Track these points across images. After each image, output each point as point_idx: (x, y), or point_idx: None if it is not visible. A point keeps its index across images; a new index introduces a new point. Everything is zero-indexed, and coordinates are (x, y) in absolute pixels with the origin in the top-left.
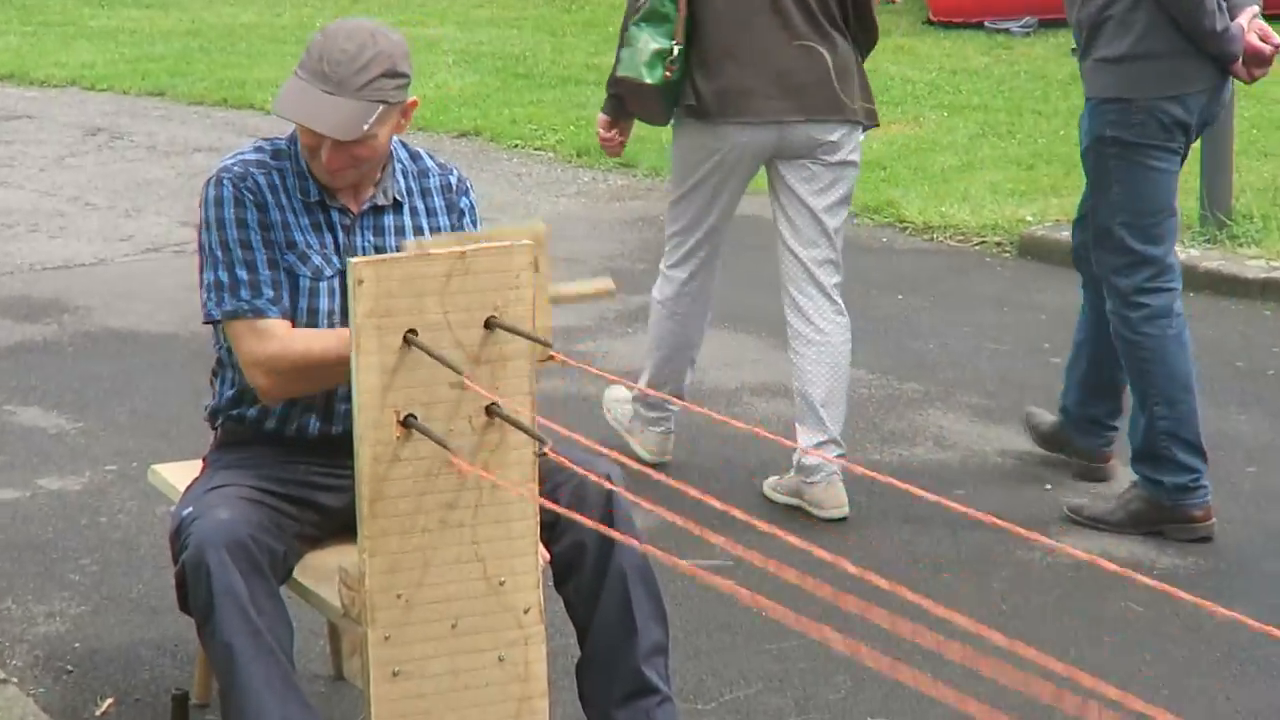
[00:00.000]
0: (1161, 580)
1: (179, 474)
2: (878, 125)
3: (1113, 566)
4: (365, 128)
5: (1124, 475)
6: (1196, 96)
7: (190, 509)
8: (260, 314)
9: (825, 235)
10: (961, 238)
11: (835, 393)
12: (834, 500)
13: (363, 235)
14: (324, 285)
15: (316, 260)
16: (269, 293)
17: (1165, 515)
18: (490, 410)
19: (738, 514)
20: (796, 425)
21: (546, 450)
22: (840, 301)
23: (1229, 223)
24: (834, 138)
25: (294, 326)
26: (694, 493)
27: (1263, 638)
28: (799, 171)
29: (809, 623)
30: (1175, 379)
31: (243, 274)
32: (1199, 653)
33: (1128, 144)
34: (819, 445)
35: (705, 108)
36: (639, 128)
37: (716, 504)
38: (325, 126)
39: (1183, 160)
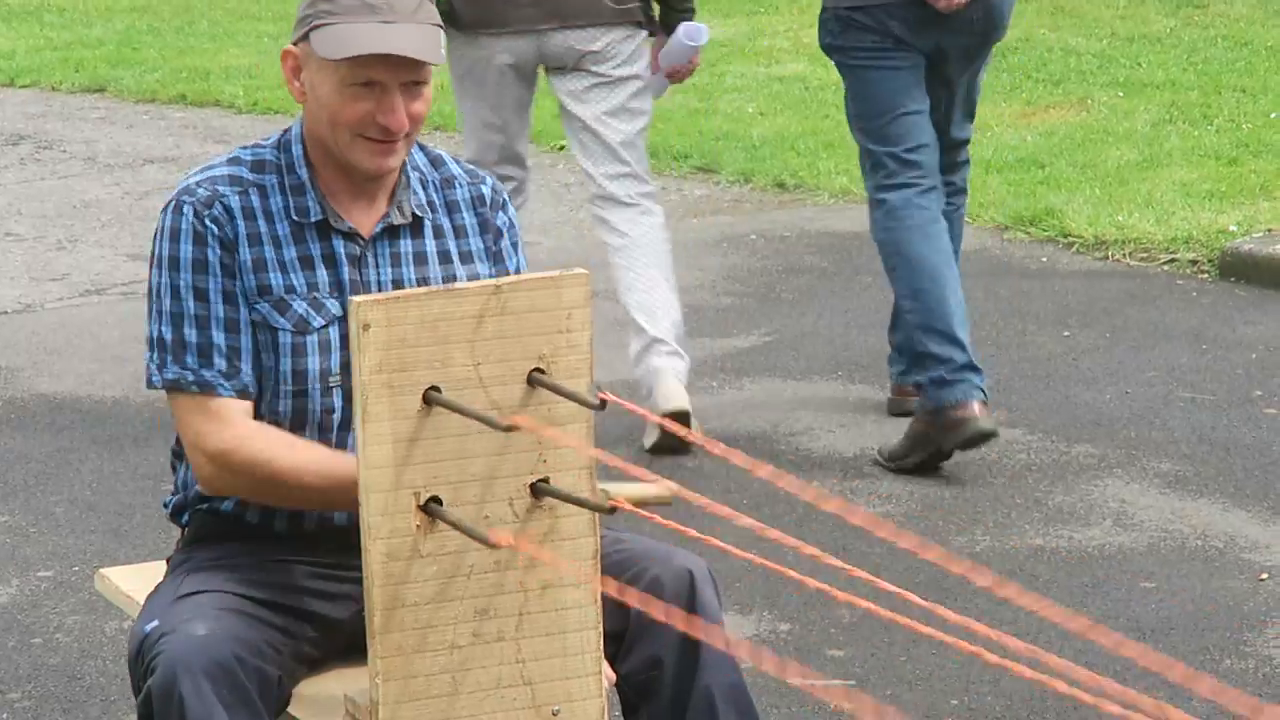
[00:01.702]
0: None
1: (134, 580)
2: (653, 35)
3: None
4: (442, 52)
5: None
6: (884, 9)
7: (155, 623)
8: (208, 389)
9: (608, 149)
10: (1145, 255)
11: (653, 294)
12: (668, 396)
13: (378, 268)
14: (312, 340)
15: (300, 308)
16: (221, 364)
17: (936, 424)
18: (538, 489)
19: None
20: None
21: (611, 503)
22: (647, 203)
23: None
24: (597, 46)
25: (275, 392)
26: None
27: None
28: (568, 84)
29: None
30: (917, 269)
31: (191, 334)
32: None
33: (840, 49)
34: (644, 349)
35: (458, 17)
36: (723, 122)
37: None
38: (413, 49)
39: (937, 72)
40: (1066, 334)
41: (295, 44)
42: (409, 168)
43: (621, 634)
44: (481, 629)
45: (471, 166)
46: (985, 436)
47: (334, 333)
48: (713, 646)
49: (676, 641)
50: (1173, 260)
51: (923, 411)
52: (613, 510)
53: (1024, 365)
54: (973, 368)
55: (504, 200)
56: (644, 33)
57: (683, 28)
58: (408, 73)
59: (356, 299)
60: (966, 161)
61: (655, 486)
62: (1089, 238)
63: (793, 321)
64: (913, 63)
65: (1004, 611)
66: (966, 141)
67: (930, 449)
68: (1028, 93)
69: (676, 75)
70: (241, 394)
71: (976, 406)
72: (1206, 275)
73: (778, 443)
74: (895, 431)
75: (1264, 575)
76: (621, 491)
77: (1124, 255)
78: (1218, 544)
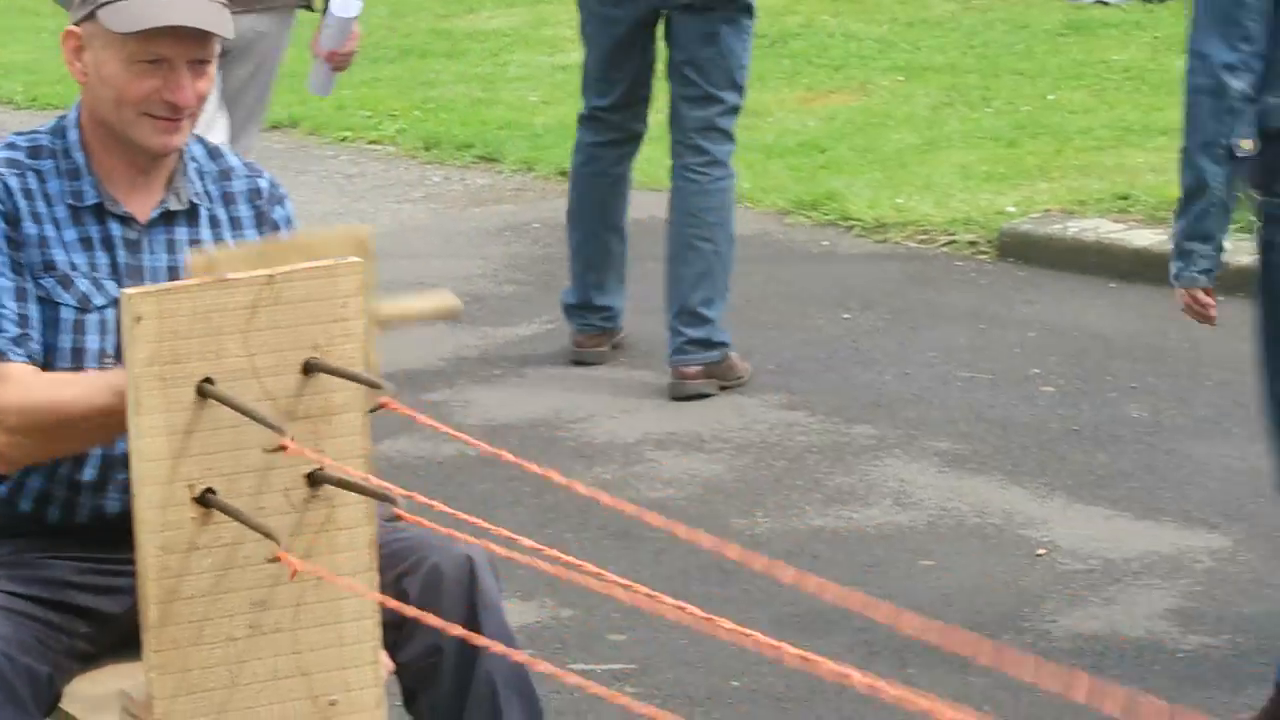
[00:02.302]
0: (1190, 664)
1: None
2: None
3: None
4: (230, 27)
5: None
6: None
7: None
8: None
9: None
10: (924, 237)
11: None
12: None
13: (152, 252)
14: (93, 318)
15: (83, 285)
16: (11, 329)
17: None
18: (314, 478)
19: (641, 598)
20: None
21: (397, 513)
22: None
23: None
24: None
25: (54, 370)
26: (585, 577)
27: None
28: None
29: None
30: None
31: None
32: None
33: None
34: None
35: None
36: (506, 112)
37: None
38: (206, 22)
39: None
40: (847, 316)
41: (78, 24)
42: (187, 157)
43: (400, 622)
44: (258, 621)
45: (251, 160)
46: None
47: (112, 314)
48: (493, 633)
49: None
50: (952, 242)
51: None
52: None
53: (805, 348)
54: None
55: (282, 195)
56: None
57: (332, 1)
58: (196, 49)
59: (128, 291)
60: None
61: (435, 296)
62: (869, 221)
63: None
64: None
65: (784, 593)
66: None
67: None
68: (808, 78)
69: (337, 59)
70: (33, 358)
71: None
72: (985, 256)
73: (559, 429)
74: (676, 416)
75: (1041, 551)
76: (397, 306)
77: (904, 238)
78: (996, 521)
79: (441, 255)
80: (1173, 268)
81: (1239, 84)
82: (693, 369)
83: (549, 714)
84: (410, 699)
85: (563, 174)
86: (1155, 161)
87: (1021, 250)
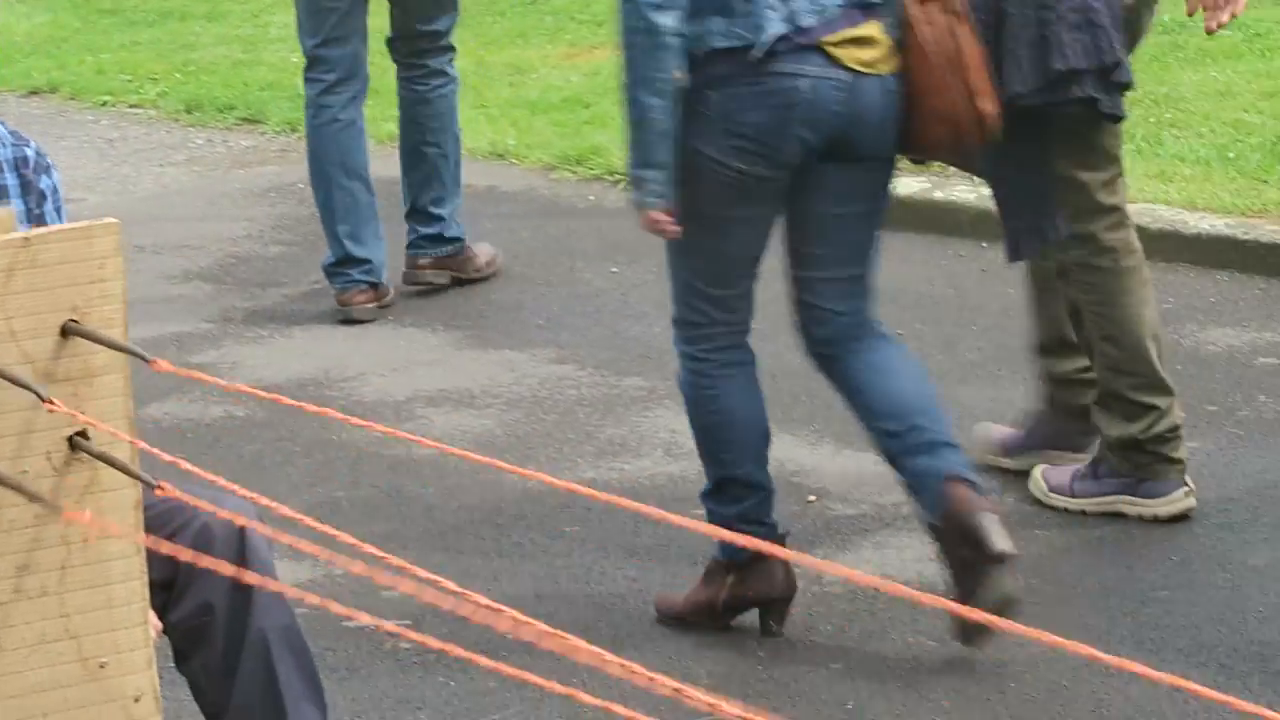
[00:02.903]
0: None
1: None
2: None
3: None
4: None
5: None
6: None
7: None
8: None
9: None
10: None
11: None
12: None
13: None
14: None
15: None
16: None
17: None
18: (75, 442)
19: (414, 568)
20: None
21: (159, 489)
22: None
23: None
24: None
25: None
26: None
27: (1087, 671)
28: None
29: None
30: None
31: None
32: (1009, 692)
33: None
34: None
35: None
36: (268, 73)
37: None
38: None
39: None
40: (614, 270)
41: None
42: None
43: (171, 582)
44: (22, 585)
45: (15, 129)
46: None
47: None
48: (264, 590)
49: (227, 587)
50: None
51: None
52: (153, 489)
53: (573, 302)
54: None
55: (48, 164)
56: None
57: None
58: None
59: None
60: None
61: None
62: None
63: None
64: None
65: (557, 544)
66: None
67: None
68: (571, 34)
69: None
70: None
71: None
72: None
73: (329, 389)
74: (446, 374)
75: (812, 498)
76: None
77: None
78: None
79: (206, 218)
80: (633, 197)
81: (667, 20)
82: (424, 260)
83: (323, 670)
84: (182, 658)
85: None
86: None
87: None
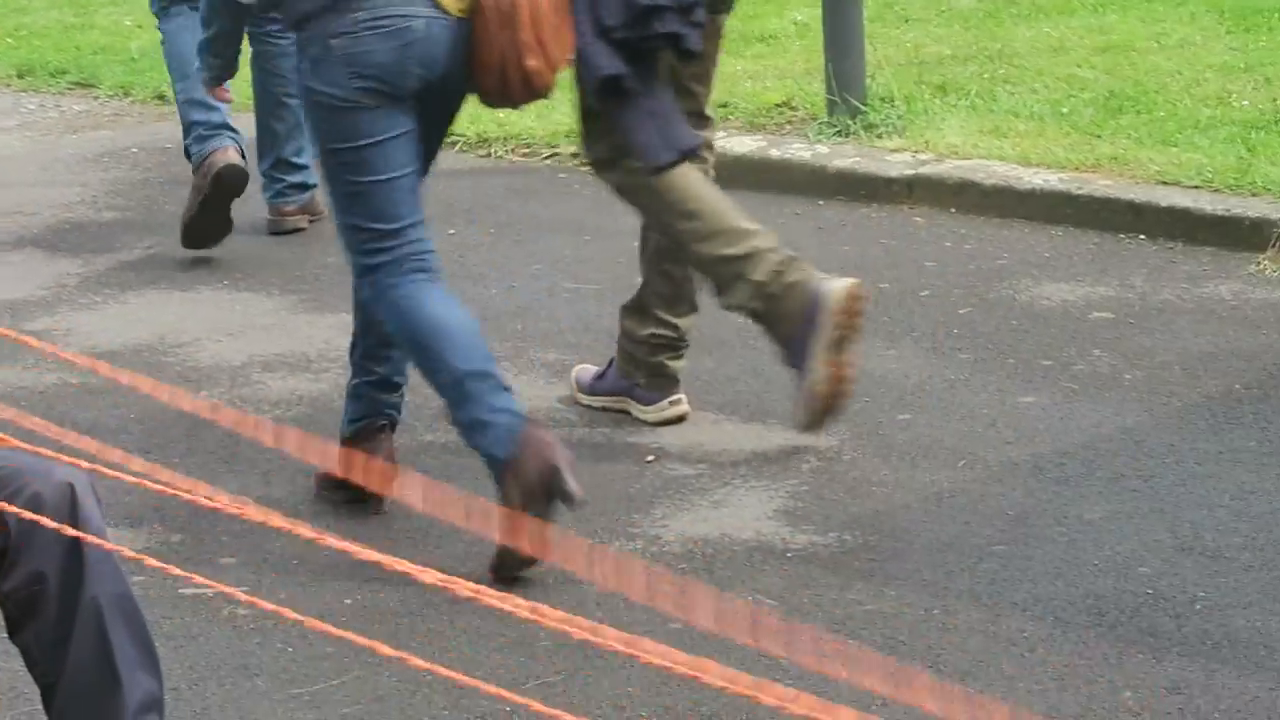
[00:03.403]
0: (799, 562)
1: None
2: None
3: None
4: None
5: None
6: None
7: None
8: None
9: None
10: (527, 151)
11: None
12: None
13: None
14: None
15: None
16: None
17: (203, 173)
18: None
19: (253, 515)
20: None
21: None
22: None
23: (864, 109)
24: None
25: None
26: (190, 497)
27: (924, 626)
28: None
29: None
30: None
31: None
32: (846, 647)
33: None
34: None
35: None
36: (101, 36)
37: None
38: None
39: None
40: (452, 232)
41: None
42: None
43: (2, 552)
44: None
45: None
46: (237, 173)
47: None
48: (97, 558)
49: (59, 555)
50: (555, 155)
51: (194, 173)
52: None
53: None
54: (228, 126)
55: None
56: None
57: None
58: None
59: None
60: None
61: None
62: (472, 136)
63: (175, 235)
64: None
65: (397, 507)
66: None
67: (202, 196)
68: None
69: None
70: None
71: (231, 151)
72: (588, 168)
73: (165, 355)
74: (282, 338)
75: (650, 458)
76: None
77: (507, 152)
78: (605, 429)
79: (39, 183)
80: (203, 75)
81: None
82: (291, 207)
83: (159, 638)
84: (15, 628)
85: (161, 98)
86: (752, 69)
87: None
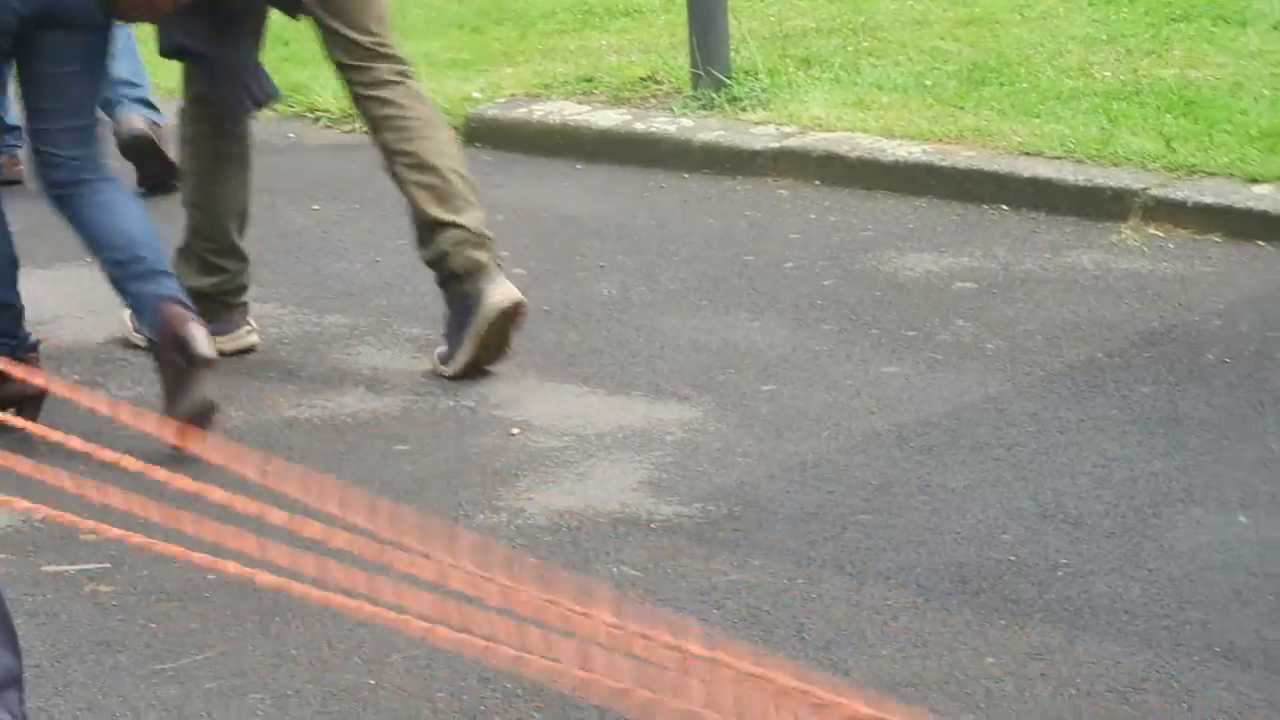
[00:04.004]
0: (664, 534)
1: None
2: None
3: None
4: None
5: None
6: None
7: None
8: None
9: None
10: None
11: None
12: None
13: None
14: None
15: None
16: None
17: None
18: None
19: (115, 501)
20: None
21: None
22: None
23: (728, 82)
24: None
25: None
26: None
27: (788, 596)
28: None
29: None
30: None
31: None
32: (711, 619)
33: None
34: None
35: None
36: None
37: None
38: None
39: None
40: (316, 207)
41: None
42: None
43: None
44: None
45: None
46: None
47: None
48: None
49: None
50: None
51: None
52: None
53: (274, 240)
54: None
55: None
56: None
57: None
58: None
59: None
60: None
61: None
62: (335, 112)
63: (40, 208)
64: None
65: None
66: None
67: None
68: None
69: None
70: None
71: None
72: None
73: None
74: None
75: (515, 431)
76: None
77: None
78: (469, 404)
79: None
80: None
81: None
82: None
83: (20, 615)
84: None
85: None
86: (617, 43)
87: (488, 135)
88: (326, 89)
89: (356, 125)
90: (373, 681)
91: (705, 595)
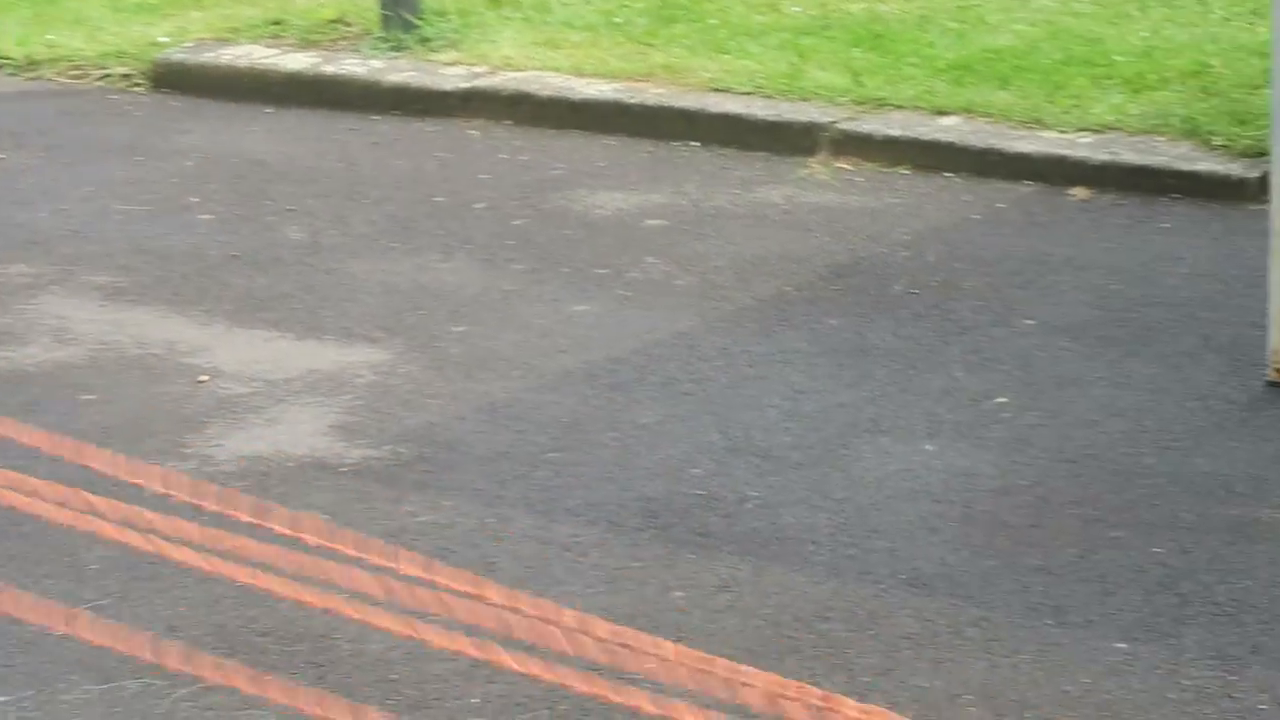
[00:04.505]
0: (355, 475)
1: None
2: None
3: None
4: None
5: None
6: None
7: None
8: None
9: None
10: (77, 72)
11: None
12: None
13: None
14: None
15: None
16: None
17: None
18: None
19: None
20: None
21: None
22: None
23: (418, 23)
24: None
25: None
26: None
27: (478, 535)
28: None
29: None
30: None
31: None
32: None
33: None
34: None
35: None
36: None
37: None
38: None
39: None
40: (2, 156)
41: None
42: None
43: None
44: None
45: None
46: None
47: None
48: None
49: None
50: (106, 75)
51: None
52: None
53: None
54: None
55: None
56: None
57: None
58: None
59: None
60: None
61: None
62: (20, 59)
63: None
64: None
65: None
66: None
67: None
68: None
69: None
70: None
71: None
72: (140, 88)
73: None
74: None
75: (203, 378)
76: None
77: (56, 74)
78: (157, 351)
79: None
80: None
81: None
82: None
83: None
84: None
85: None
86: None
87: (176, 80)
88: (10, 36)
89: (41, 72)
90: (59, 635)
91: (395, 537)
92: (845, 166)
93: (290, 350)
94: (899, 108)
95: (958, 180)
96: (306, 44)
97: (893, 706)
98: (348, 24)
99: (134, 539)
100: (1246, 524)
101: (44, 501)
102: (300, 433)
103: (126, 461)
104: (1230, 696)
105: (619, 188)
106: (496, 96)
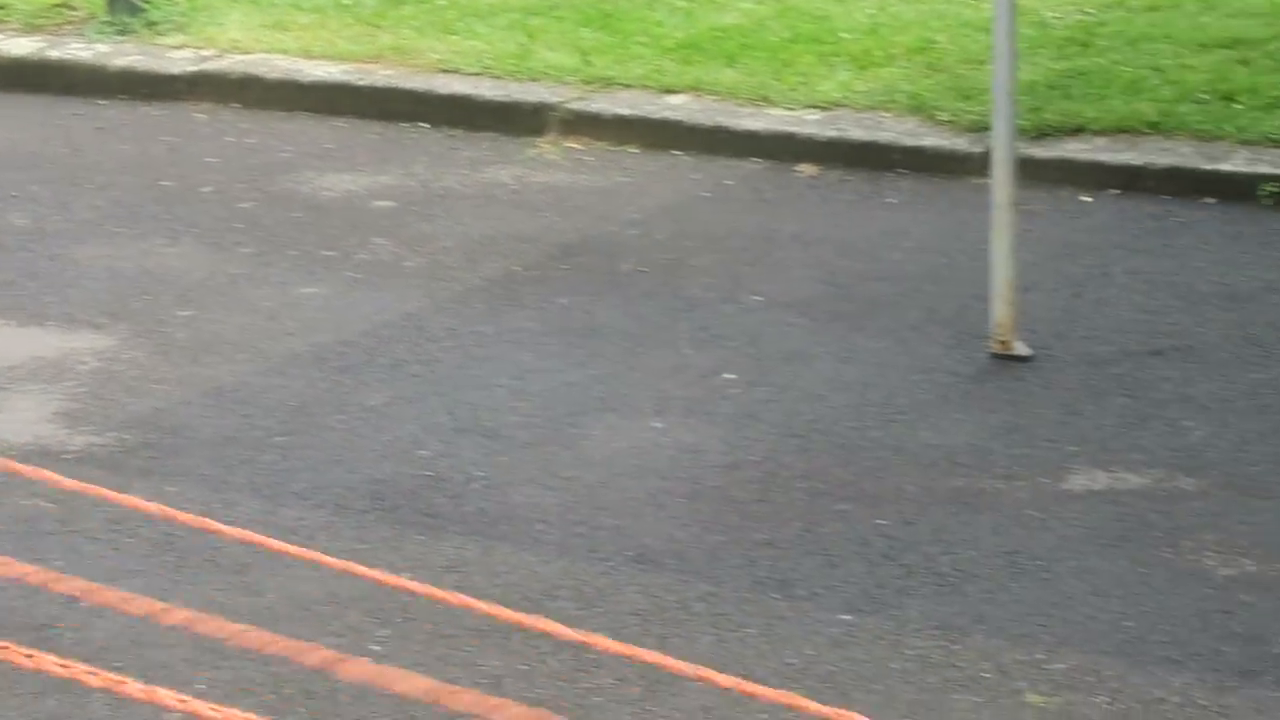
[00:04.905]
0: (77, 464)
1: None
2: None
3: None
4: None
5: None
6: None
7: None
8: None
9: None
10: None
11: None
12: None
13: None
14: None
15: None
16: None
17: None
18: None
19: None
20: None
21: None
22: None
23: (144, 6)
24: None
25: None
26: None
27: (278, 528)
28: None
29: None
30: None
31: None
32: (125, 548)
33: None
34: None
35: None
36: None
37: None
38: None
39: None
40: None
41: None
42: None
43: None
44: None
45: None
46: None
47: None
48: None
49: None
50: None
51: None
52: None
53: None
54: None
55: None
56: None
57: None
58: None
59: None
60: None
61: None
62: None
63: None
64: None
65: None
66: None
67: None
68: None
69: None
70: None
71: None
72: None
73: None
74: None
75: None
76: None
77: None
78: None
79: None
80: None
81: None
82: None
83: None
84: None
85: None
86: None
87: None
88: None
89: None
90: None
91: (119, 524)
92: (574, 146)
93: (12, 337)
94: (627, 87)
95: (686, 158)
96: (31, 29)
97: (620, 683)
98: (73, 8)
99: None
100: (970, 495)
101: None
102: (23, 420)
103: None
104: (954, 665)
105: (347, 169)
106: (224, 79)
